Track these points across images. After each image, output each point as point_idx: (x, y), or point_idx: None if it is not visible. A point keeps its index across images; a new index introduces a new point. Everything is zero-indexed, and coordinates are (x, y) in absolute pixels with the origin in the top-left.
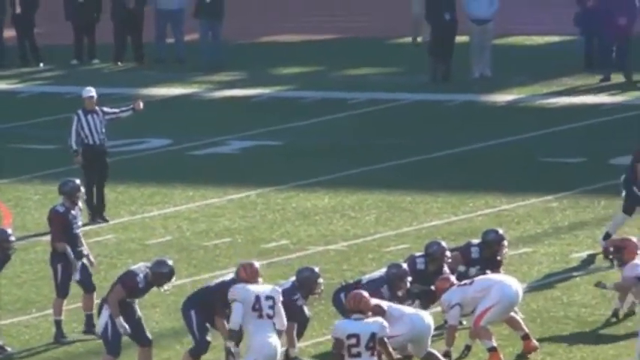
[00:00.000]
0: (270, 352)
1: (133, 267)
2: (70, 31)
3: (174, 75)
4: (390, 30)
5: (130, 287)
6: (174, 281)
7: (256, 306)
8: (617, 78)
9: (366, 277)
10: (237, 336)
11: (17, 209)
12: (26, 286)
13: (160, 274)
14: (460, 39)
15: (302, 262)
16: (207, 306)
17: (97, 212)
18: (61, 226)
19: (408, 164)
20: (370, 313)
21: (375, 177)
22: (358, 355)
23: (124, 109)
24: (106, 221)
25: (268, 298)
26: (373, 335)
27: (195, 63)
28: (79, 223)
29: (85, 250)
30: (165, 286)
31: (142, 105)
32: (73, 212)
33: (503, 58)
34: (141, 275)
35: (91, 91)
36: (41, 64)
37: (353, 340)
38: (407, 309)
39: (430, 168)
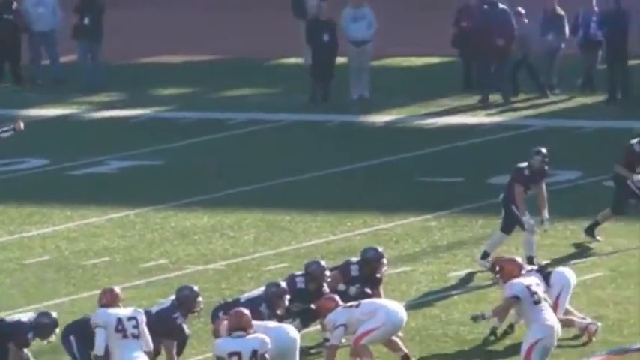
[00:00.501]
0: None
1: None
2: None
3: (53, 96)
4: (269, 51)
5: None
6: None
7: (119, 327)
8: (495, 98)
9: (244, 296)
10: None
11: None
12: None
13: (44, 324)
14: (340, 60)
15: (181, 281)
16: (87, 333)
17: None
18: None
19: (287, 184)
20: (251, 330)
21: (254, 197)
22: None
23: (5, 129)
24: None
25: (131, 318)
26: (255, 352)
27: (75, 84)
28: None
29: None
30: (53, 337)
31: (22, 126)
32: None
33: (381, 79)
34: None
35: None
36: None
37: (235, 358)
38: (272, 324)
39: (309, 187)
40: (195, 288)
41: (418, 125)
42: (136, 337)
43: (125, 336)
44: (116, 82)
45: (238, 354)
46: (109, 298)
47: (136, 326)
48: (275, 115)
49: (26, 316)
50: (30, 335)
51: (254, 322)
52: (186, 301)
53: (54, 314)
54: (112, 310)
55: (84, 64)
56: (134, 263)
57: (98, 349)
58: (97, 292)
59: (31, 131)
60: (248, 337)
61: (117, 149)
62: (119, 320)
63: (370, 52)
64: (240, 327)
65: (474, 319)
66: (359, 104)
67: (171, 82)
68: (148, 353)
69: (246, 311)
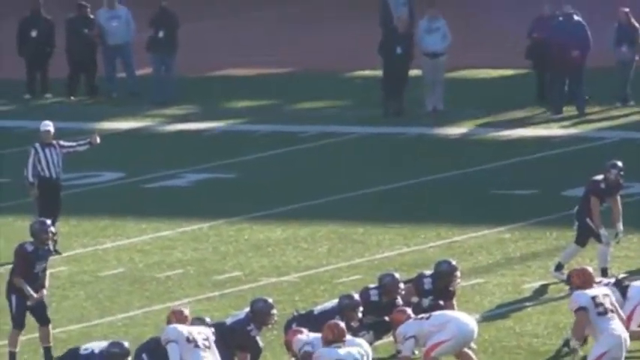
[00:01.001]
0: None
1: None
2: (22, 65)
3: (127, 109)
4: (341, 63)
5: None
6: None
7: (190, 338)
8: (570, 110)
9: (318, 308)
10: None
11: None
12: None
13: (115, 354)
14: (413, 73)
15: (255, 294)
16: (158, 351)
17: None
18: (23, 263)
19: (360, 196)
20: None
21: (327, 209)
22: None
23: (80, 142)
24: (59, 254)
25: (200, 333)
26: None
27: (148, 97)
28: (44, 264)
29: (44, 291)
30: None
31: (98, 139)
32: (40, 252)
33: (455, 91)
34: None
35: (49, 125)
36: None
37: None
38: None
39: (381, 200)
40: (270, 300)
41: (492, 137)
42: (208, 347)
43: (197, 346)
44: (190, 95)
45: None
46: (178, 319)
47: (207, 339)
48: (348, 128)
49: (98, 346)
50: None
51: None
52: (260, 313)
53: (125, 344)
54: (181, 327)
55: (158, 76)
56: (207, 276)
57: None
58: (171, 304)
59: (104, 144)
60: (348, 348)
61: (191, 162)
62: (189, 333)
63: (444, 64)
64: (338, 339)
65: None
66: (433, 116)
67: (245, 95)
68: None
69: (342, 323)
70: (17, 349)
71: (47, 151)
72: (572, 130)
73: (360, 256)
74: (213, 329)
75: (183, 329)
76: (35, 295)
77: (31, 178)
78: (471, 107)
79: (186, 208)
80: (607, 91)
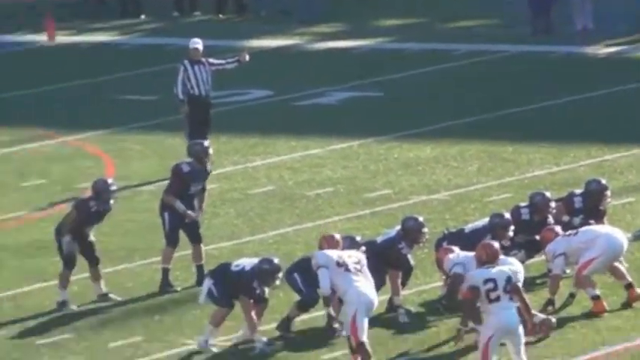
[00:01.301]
0: (367, 299)
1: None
2: None
3: (275, 27)
4: None
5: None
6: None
7: (340, 262)
8: None
9: (469, 227)
10: (330, 300)
11: (120, 160)
12: (130, 235)
13: (266, 271)
14: None
15: (404, 212)
16: (309, 270)
17: None
18: (179, 183)
19: (510, 114)
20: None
21: (477, 128)
22: (497, 299)
23: (229, 60)
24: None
25: (351, 256)
26: (509, 278)
27: (297, 15)
28: (200, 185)
29: (200, 211)
30: (277, 282)
31: (247, 57)
32: (196, 173)
33: (605, 9)
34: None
35: (198, 43)
36: (142, 16)
37: (490, 285)
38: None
39: (531, 118)
40: (420, 219)
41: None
42: (359, 271)
43: (348, 270)
44: (338, 13)
45: (494, 281)
46: (330, 244)
47: (358, 262)
48: (497, 46)
49: (249, 263)
50: (255, 284)
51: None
52: (411, 231)
53: (276, 260)
54: (330, 252)
55: None
56: (357, 194)
57: (324, 290)
58: (321, 222)
59: (253, 62)
60: (500, 267)
61: (340, 80)
62: (339, 257)
63: None
64: (492, 259)
65: None
66: (582, 35)
67: (394, 14)
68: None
69: (496, 243)
70: (170, 266)
71: (196, 68)
72: None
73: (510, 174)
74: (364, 248)
75: (333, 254)
76: (192, 214)
77: (180, 96)
78: (620, 24)
79: (336, 126)
80: None
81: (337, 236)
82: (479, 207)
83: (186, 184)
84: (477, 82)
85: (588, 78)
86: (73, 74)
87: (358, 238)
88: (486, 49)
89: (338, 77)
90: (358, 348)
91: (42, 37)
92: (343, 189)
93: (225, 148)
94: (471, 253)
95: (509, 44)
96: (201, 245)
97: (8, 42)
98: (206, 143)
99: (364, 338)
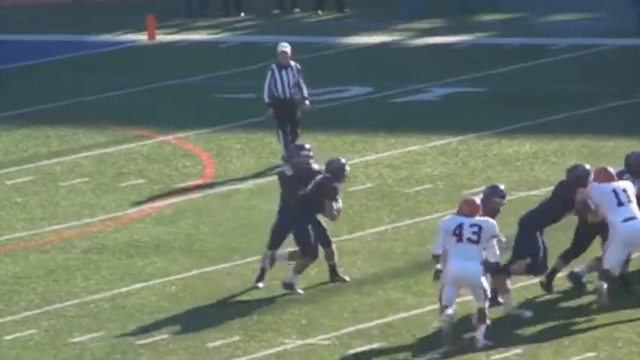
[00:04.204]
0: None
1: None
2: None
3: (375, 23)
4: None
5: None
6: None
7: (457, 231)
8: None
9: None
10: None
11: (219, 158)
12: (229, 234)
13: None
14: None
15: (505, 209)
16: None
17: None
18: (288, 187)
19: (610, 109)
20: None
21: (577, 123)
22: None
23: (305, 92)
24: None
25: (473, 225)
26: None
27: (397, 10)
28: (311, 184)
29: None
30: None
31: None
32: (301, 174)
33: None
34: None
35: (286, 47)
36: (242, 14)
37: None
38: None
39: (633, 113)
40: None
41: None
42: (474, 242)
43: (460, 240)
44: (438, 9)
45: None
46: (470, 210)
47: (477, 233)
48: (599, 40)
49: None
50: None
51: None
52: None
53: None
54: (459, 217)
55: None
56: (457, 190)
57: (434, 249)
58: (420, 219)
59: (352, 59)
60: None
61: (439, 76)
62: (459, 226)
63: None
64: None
65: None
66: None
67: (494, 8)
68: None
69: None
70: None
71: (283, 72)
72: None
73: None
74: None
75: (458, 220)
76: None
77: (266, 99)
78: None
79: (435, 122)
80: None
81: (477, 200)
82: None
83: (294, 187)
84: (576, 77)
85: None
86: (172, 73)
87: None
88: (585, 43)
89: (437, 73)
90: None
91: (142, 36)
92: (442, 186)
93: (324, 145)
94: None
95: (610, 38)
96: (333, 247)
97: (110, 41)
98: (305, 145)
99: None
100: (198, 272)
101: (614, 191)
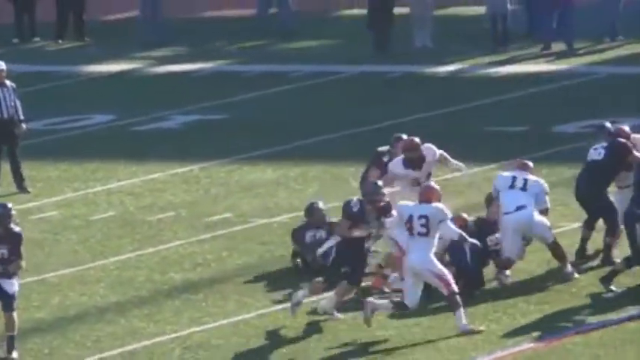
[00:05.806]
0: None
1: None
2: (11, 9)
3: (115, 51)
4: (328, 3)
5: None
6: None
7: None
8: (559, 47)
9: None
10: None
11: None
12: None
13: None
14: (401, 10)
15: (245, 235)
16: None
17: (17, 184)
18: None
19: (351, 135)
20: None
21: (318, 149)
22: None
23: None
24: (27, 192)
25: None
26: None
27: (137, 38)
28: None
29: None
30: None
31: None
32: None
33: (444, 28)
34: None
35: (1, 65)
36: None
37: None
38: None
39: (372, 139)
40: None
41: (482, 74)
42: (424, 235)
43: (411, 234)
44: (178, 37)
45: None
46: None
47: (425, 225)
48: (337, 67)
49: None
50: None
51: None
52: None
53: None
54: (412, 206)
55: (145, 19)
56: (199, 218)
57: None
58: (162, 247)
59: (94, 87)
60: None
61: (180, 104)
62: (410, 218)
63: (432, 1)
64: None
65: None
66: (422, 54)
67: (233, 36)
68: None
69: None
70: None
71: (0, 91)
72: (563, 66)
73: (352, 195)
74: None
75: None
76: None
77: None
78: (460, 44)
79: (177, 150)
80: (595, 26)
81: None
82: None
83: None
84: (317, 103)
85: (429, 96)
86: None
87: None
88: (325, 70)
89: (180, 101)
90: None
91: None
92: (185, 213)
93: (66, 174)
94: None
95: (347, 65)
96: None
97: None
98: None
99: None
100: None
101: None
